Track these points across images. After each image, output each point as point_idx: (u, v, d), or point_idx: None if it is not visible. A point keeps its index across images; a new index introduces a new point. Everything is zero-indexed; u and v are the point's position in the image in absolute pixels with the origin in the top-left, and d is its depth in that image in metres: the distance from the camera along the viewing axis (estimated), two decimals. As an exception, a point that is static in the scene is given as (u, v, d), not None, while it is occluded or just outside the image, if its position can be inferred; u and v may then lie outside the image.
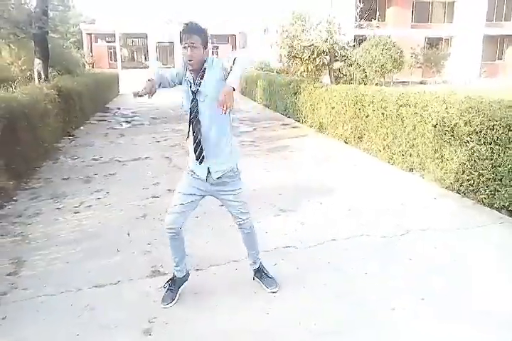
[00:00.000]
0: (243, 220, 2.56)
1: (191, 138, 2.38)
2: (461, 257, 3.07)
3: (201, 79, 2.30)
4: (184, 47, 2.26)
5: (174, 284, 2.60)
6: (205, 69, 2.30)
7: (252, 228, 2.64)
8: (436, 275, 2.82)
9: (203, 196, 2.52)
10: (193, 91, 2.32)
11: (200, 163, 2.39)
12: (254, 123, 9.40)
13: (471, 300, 2.55)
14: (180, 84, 2.39)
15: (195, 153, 2.39)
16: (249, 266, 2.78)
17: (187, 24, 2.31)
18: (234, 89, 2.10)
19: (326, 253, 3.16)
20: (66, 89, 7.97)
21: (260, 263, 2.76)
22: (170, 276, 2.75)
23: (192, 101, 2.33)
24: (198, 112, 2.32)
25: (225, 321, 2.38)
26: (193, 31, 2.26)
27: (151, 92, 2.20)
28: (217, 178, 2.40)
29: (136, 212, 4.01)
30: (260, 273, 2.73)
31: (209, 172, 2.39)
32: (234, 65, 2.21)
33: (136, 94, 2.20)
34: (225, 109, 2.07)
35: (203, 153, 2.37)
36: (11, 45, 12.90)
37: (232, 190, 2.48)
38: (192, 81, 2.33)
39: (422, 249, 3.20)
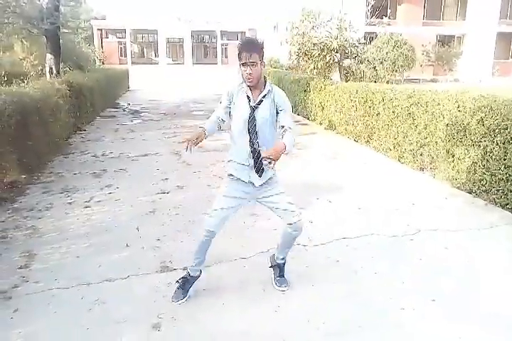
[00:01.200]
0: (298, 216, 2.47)
1: (247, 150, 2.39)
2: (472, 258, 3.04)
3: (262, 97, 2.35)
4: (244, 65, 2.29)
5: (187, 282, 2.60)
6: (269, 91, 2.36)
7: (301, 230, 2.54)
8: (447, 276, 2.80)
9: (248, 200, 2.52)
10: (251, 107, 2.35)
11: (260, 175, 2.41)
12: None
13: (480, 302, 2.52)
14: (231, 105, 2.42)
15: (255, 166, 2.40)
16: (272, 258, 2.77)
17: (247, 41, 2.37)
18: (285, 148, 2.14)
19: (335, 251, 3.15)
20: (77, 85, 8.02)
21: (285, 260, 2.75)
22: (179, 272, 2.79)
23: (250, 116, 2.35)
24: (255, 126, 2.36)
25: (234, 318, 2.39)
26: (253, 49, 2.29)
27: (197, 142, 2.21)
28: (260, 185, 2.44)
29: (145, 208, 4.03)
30: (280, 269, 2.74)
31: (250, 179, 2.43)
32: (287, 134, 2.26)
33: (188, 149, 2.18)
34: (271, 164, 2.10)
35: (262, 166, 2.38)
36: (24, 40, 13.02)
37: (274, 195, 2.47)
38: (251, 95, 2.36)
39: (432, 249, 3.17)
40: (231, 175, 2.48)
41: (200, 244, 2.54)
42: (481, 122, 4.02)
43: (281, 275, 2.72)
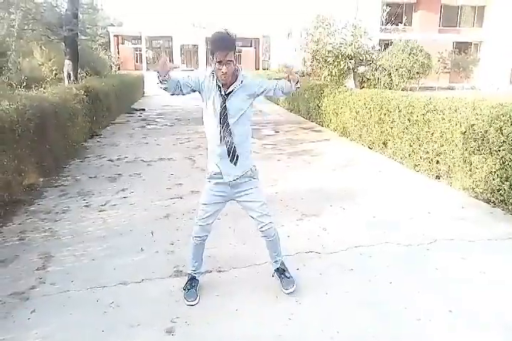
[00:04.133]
0: (265, 225, 2.54)
1: (218, 143, 2.41)
2: (490, 269, 2.97)
3: (234, 87, 2.35)
4: (219, 63, 2.26)
5: (194, 283, 2.66)
6: (241, 82, 2.36)
7: (275, 235, 2.63)
8: (464, 287, 2.74)
9: (226, 201, 2.58)
10: (222, 96, 2.35)
11: (235, 164, 2.43)
12: (276, 127, 9.40)
13: (498, 314, 2.46)
14: (198, 91, 2.41)
15: (228, 155, 2.42)
16: (270, 264, 2.81)
17: (221, 38, 2.29)
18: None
19: (349, 259, 3.12)
20: (94, 90, 8.17)
21: (281, 262, 2.76)
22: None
23: (222, 105, 2.36)
24: (227, 116, 2.36)
25: (246, 325, 2.38)
26: (228, 47, 2.26)
27: (164, 69, 2.21)
28: (235, 179, 2.46)
29: (159, 212, 4.06)
30: (279, 272, 2.73)
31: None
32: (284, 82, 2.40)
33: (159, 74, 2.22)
34: (295, 80, 2.32)
35: (236, 154, 2.42)
36: (43, 46, 13.34)
37: (249, 189, 2.50)
38: (221, 86, 2.35)
39: (448, 259, 3.11)
40: (210, 176, 2.51)
41: (194, 249, 2.63)
42: (499, 131, 3.96)
43: (287, 277, 2.70)
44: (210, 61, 2.42)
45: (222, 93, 2.35)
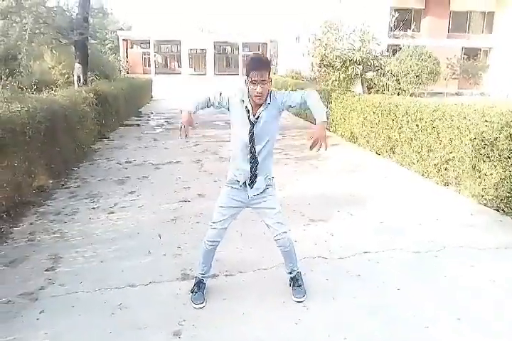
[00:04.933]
0: (279, 234, 2.53)
1: (244, 159, 2.45)
2: (500, 278, 2.94)
3: (262, 111, 2.39)
4: (253, 83, 2.30)
5: (201, 287, 2.67)
6: (268, 104, 2.40)
7: (290, 246, 2.62)
8: (473, 295, 2.72)
9: (242, 207, 2.59)
10: (251, 121, 2.40)
11: (252, 187, 2.49)
12: (284, 131, 9.41)
13: (507, 322, 2.44)
14: (226, 108, 2.47)
15: (250, 171, 2.47)
16: (278, 269, 2.83)
17: (257, 59, 2.37)
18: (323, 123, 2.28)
19: (356, 265, 3.11)
20: (103, 93, 8.26)
21: (297, 273, 2.74)
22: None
23: (250, 131, 2.40)
24: (254, 141, 2.42)
25: (253, 329, 2.38)
26: (263, 68, 2.31)
27: (190, 124, 2.37)
28: (257, 194, 2.51)
29: (167, 215, 4.09)
30: (293, 281, 2.72)
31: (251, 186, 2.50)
32: (310, 101, 2.37)
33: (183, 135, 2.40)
34: (319, 145, 2.22)
35: (256, 172, 2.48)
36: (53, 50, 13.52)
37: (266, 196, 2.53)
38: (250, 109, 2.40)
39: (457, 267, 3.09)
40: (230, 181, 2.53)
41: (205, 254, 2.63)
42: (509, 138, 3.94)
43: (298, 285, 2.70)
44: (244, 83, 2.45)
45: (251, 119, 2.39)
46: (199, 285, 2.67)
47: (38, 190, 4.66)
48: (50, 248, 3.30)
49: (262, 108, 2.39)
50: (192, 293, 2.64)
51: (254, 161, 2.46)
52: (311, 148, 2.26)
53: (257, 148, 2.43)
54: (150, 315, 2.47)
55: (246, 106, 2.40)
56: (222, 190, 2.59)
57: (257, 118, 2.40)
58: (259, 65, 2.32)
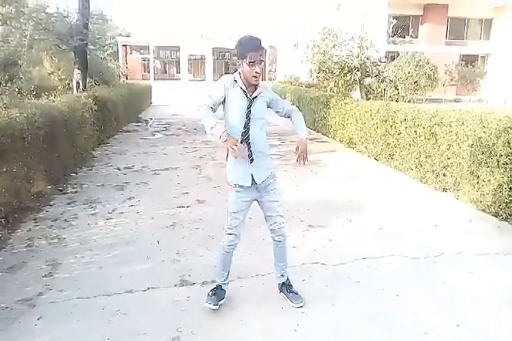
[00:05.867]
0: (280, 225, 2.60)
1: (239, 134, 2.42)
2: (499, 284, 2.94)
3: (258, 93, 2.42)
4: (251, 64, 2.31)
5: (220, 292, 2.64)
6: (261, 92, 2.44)
7: (285, 236, 2.69)
8: (472, 301, 2.72)
9: (251, 203, 2.62)
10: (249, 99, 2.40)
11: (251, 161, 2.46)
12: (282, 137, 9.44)
13: (506, 329, 2.43)
14: (223, 100, 2.44)
15: (249, 156, 2.45)
16: (275, 279, 2.79)
17: (251, 39, 2.35)
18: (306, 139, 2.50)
19: (355, 271, 3.10)
20: (102, 99, 8.28)
21: (287, 277, 2.76)
22: (197, 286, 2.85)
23: (248, 106, 2.40)
24: (250, 118, 2.42)
25: (252, 335, 2.37)
26: (260, 47, 2.33)
27: (235, 143, 2.26)
28: (262, 182, 2.51)
29: (166, 221, 4.08)
30: (286, 287, 2.73)
31: (253, 178, 2.48)
32: (296, 117, 2.61)
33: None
34: (302, 160, 2.45)
35: (253, 156, 2.47)
36: (53, 56, 13.57)
37: (273, 189, 2.58)
38: (245, 89, 2.40)
39: (456, 273, 3.09)
40: (235, 185, 2.51)
41: (224, 260, 2.62)
42: (507, 143, 3.96)
43: (294, 292, 2.70)
44: (239, 66, 2.44)
45: (249, 96, 2.40)
46: (216, 291, 2.63)
47: (36, 195, 4.65)
48: (48, 254, 3.29)
49: (257, 91, 2.42)
50: (208, 295, 2.60)
51: (248, 136, 2.42)
52: (297, 161, 2.50)
53: (252, 123, 2.42)
54: (148, 321, 2.46)
55: (240, 87, 2.39)
56: (231, 196, 2.55)
57: (255, 98, 2.42)
58: (255, 44, 2.32)
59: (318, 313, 2.57)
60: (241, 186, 2.50)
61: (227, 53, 41.47)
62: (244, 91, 2.41)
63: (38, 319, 2.45)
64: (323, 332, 2.39)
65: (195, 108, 2.45)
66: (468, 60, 24.84)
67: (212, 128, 2.28)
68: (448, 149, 4.86)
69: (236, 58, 2.41)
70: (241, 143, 2.38)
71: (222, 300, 2.62)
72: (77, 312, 2.53)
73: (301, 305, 2.63)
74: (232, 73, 2.52)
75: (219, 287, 2.66)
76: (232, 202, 2.54)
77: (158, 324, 2.45)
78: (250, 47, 2.31)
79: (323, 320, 2.51)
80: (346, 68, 9.88)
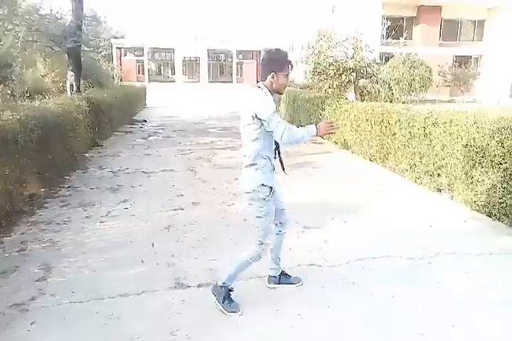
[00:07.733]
0: (288, 219, 2.80)
1: (268, 152, 2.49)
2: (494, 284, 2.94)
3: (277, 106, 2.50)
4: (287, 76, 2.45)
5: (230, 295, 2.65)
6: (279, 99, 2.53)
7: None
8: (467, 301, 2.72)
9: None
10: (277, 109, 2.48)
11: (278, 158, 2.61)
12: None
13: (502, 329, 2.44)
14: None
15: (281, 163, 2.64)
16: (273, 272, 2.89)
17: (286, 54, 2.47)
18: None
19: (351, 273, 3.10)
20: (96, 101, 8.23)
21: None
22: (193, 289, 2.82)
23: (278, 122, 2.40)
24: None
25: (247, 338, 2.35)
26: (291, 60, 2.48)
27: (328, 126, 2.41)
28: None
29: (160, 224, 4.05)
30: (284, 274, 2.91)
31: None
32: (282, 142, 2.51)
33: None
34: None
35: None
36: (46, 57, 13.50)
37: (281, 193, 2.72)
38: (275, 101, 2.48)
39: (451, 274, 3.09)
40: (270, 190, 2.48)
41: (245, 267, 2.65)
42: (500, 144, 3.98)
43: (291, 275, 2.91)
44: (270, 78, 2.45)
45: (277, 106, 2.49)
46: (230, 294, 2.63)
47: (29, 198, 4.61)
48: (41, 258, 3.25)
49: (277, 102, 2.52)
50: (227, 301, 2.60)
51: (278, 146, 2.57)
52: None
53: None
54: (143, 326, 2.44)
55: (274, 99, 2.47)
56: (268, 205, 2.50)
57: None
58: (288, 58, 2.46)
59: (315, 315, 2.56)
60: (274, 190, 2.54)
61: (222, 55, 41.45)
62: (275, 102, 2.47)
63: (31, 324, 2.42)
64: (318, 335, 2.38)
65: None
66: (462, 61, 25.02)
67: (306, 133, 2.38)
68: (442, 150, 4.88)
69: (267, 69, 2.44)
70: (274, 153, 2.53)
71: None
72: (70, 317, 2.50)
73: (301, 284, 2.87)
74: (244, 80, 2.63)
75: (231, 289, 2.65)
76: (269, 211, 2.51)
77: (153, 328, 2.42)
78: (287, 60, 2.44)
79: (319, 322, 2.49)
80: (341, 69, 9.91)
